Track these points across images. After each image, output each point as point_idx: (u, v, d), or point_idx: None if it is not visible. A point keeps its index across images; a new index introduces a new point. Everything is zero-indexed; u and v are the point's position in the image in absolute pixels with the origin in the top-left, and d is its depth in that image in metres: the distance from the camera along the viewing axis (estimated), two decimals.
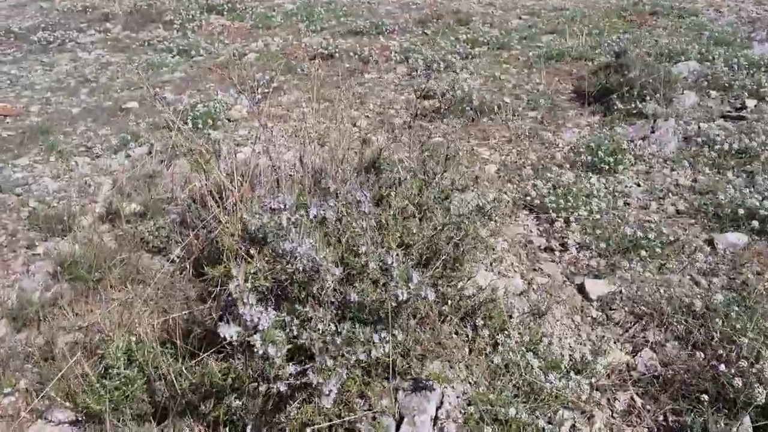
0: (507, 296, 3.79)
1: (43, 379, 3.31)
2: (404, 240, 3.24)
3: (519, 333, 3.50)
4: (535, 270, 4.29)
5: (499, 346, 3.34)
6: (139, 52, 9.66)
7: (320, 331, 2.33)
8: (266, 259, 2.87)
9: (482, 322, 3.45)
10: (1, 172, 5.65)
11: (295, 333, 2.54)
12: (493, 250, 4.26)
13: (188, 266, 4.08)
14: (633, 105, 6.43)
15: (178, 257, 4.13)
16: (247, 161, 4.81)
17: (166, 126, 5.69)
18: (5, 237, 4.70)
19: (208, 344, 3.24)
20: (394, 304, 2.56)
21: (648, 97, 6.42)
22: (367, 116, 6.77)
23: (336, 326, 2.34)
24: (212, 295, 3.59)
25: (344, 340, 2.36)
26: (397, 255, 2.36)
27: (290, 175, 3.55)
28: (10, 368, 3.49)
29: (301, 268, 2.28)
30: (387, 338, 2.61)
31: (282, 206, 2.18)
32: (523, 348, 3.37)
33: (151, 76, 8.42)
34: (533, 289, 4.04)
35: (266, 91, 7.41)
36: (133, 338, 2.97)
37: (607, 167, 5.40)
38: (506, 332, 3.41)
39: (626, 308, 3.85)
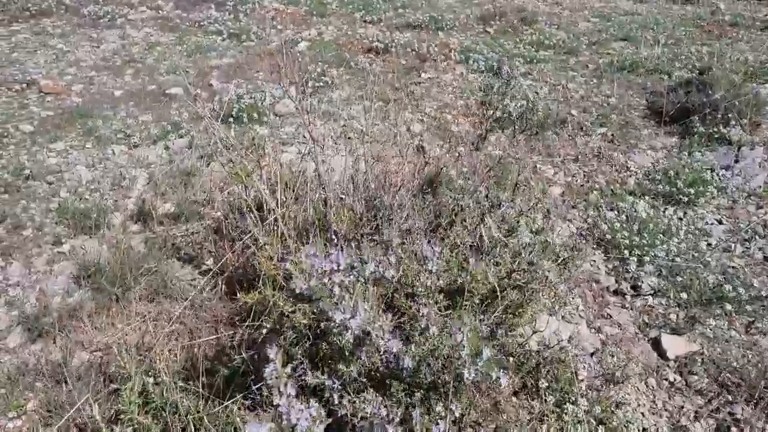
0: (573, 347, 3.34)
1: (52, 405, 2.99)
2: (465, 286, 2.81)
3: (587, 399, 3.05)
4: (603, 317, 3.82)
5: (565, 415, 2.90)
6: (189, 33, 9.34)
7: (368, 414, 1.92)
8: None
9: (546, 383, 3.00)
10: (36, 157, 5.36)
11: (336, 401, 2.15)
12: (558, 292, 3.79)
13: (220, 283, 3.73)
14: (715, 129, 5.79)
15: (210, 271, 3.79)
16: (291, 165, 4.43)
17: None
18: (32, 230, 4.40)
19: (236, 386, 2.88)
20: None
21: (733, 121, 5.80)
22: (422, 120, 6.30)
23: (388, 411, 1.93)
24: (245, 324, 3.23)
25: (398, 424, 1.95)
26: (468, 331, 1.93)
27: (341, 198, 3.13)
28: (19, 386, 3.18)
29: (351, 339, 1.87)
30: (443, 414, 2.20)
31: (335, 266, 1.77)
32: (592, 419, 2.92)
33: (199, 59, 8.08)
34: (602, 341, 3.58)
35: (317, 84, 7.01)
36: (151, 380, 2.60)
37: (686, 199, 4.85)
38: (572, 397, 2.97)
39: (709, 374, 3.36)
